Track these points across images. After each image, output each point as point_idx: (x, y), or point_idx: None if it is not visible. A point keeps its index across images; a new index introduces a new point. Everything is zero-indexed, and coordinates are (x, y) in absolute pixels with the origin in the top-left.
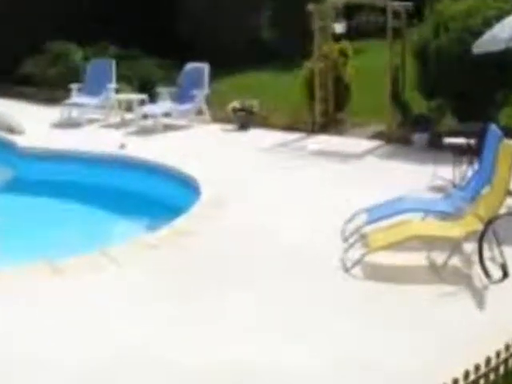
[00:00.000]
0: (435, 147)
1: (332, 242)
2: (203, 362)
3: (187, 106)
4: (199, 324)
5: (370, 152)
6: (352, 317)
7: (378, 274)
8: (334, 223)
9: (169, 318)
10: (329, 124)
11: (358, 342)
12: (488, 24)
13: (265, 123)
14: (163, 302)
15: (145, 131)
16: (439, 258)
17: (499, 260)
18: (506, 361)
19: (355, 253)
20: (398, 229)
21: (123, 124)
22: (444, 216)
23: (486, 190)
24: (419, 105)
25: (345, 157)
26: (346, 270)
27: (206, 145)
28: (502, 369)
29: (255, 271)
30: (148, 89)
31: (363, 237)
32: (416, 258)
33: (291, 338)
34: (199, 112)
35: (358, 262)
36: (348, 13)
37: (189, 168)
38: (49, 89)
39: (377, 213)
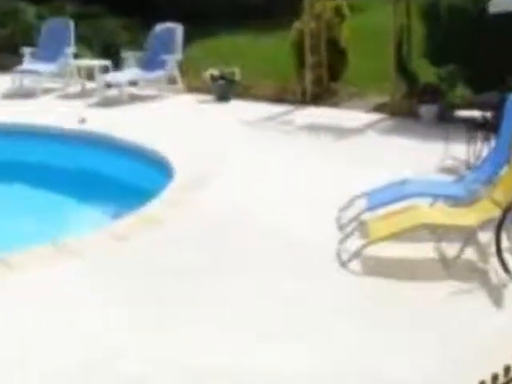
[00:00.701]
0: (446, 121)
1: (327, 230)
2: (202, 362)
3: (157, 74)
4: (188, 325)
5: (369, 126)
6: (352, 316)
7: (379, 268)
8: (329, 209)
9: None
10: (322, 94)
11: (359, 342)
12: None
13: (247, 93)
14: (136, 303)
15: (108, 102)
16: (449, 249)
17: None
18: None
19: (353, 244)
20: (402, 216)
21: (83, 94)
22: (456, 201)
23: (504, 171)
24: (427, 72)
25: (340, 132)
26: (343, 263)
27: (179, 118)
28: None
29: (242, 264)
30: (112, 54)
31: (362, 225)
32: (423, 250)
33: (291, 338)
34: (171, 80)
35: (355, 255)
36: None
37: (160, 146)
38: None
39: (378, 197)
